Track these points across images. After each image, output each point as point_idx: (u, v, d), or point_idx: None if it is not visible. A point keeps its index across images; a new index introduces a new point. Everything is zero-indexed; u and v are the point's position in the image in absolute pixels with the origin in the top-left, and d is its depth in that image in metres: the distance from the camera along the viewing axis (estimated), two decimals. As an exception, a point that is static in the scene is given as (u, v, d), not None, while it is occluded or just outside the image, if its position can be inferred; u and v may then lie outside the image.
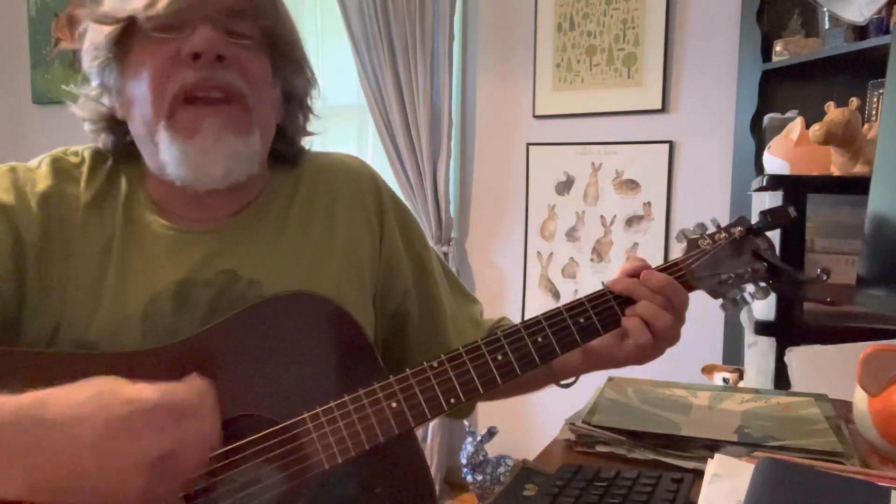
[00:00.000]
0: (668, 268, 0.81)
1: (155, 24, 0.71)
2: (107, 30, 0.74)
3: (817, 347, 1.12)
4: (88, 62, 0.77)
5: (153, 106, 0.72)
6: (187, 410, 0.57)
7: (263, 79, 0.77)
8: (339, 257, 0.84)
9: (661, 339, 0.77)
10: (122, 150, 0.80)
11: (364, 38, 2.65)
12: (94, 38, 0.76)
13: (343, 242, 0.85)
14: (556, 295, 2.61)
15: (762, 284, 0.84)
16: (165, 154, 0.73)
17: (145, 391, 0.56)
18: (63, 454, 0.52)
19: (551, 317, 0.76)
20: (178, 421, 0.56)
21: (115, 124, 0.79)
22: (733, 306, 0.84)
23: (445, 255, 2.68)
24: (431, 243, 2.85)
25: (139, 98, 0.74)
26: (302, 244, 0.82)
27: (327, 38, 2.77)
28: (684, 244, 0.85)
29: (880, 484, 0.55)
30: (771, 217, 0.85)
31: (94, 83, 0.79)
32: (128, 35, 0.74)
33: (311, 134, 0.90)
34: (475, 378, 0.72)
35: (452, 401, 0.71)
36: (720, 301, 0.84)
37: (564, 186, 2.56)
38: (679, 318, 0.78)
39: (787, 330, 1.22)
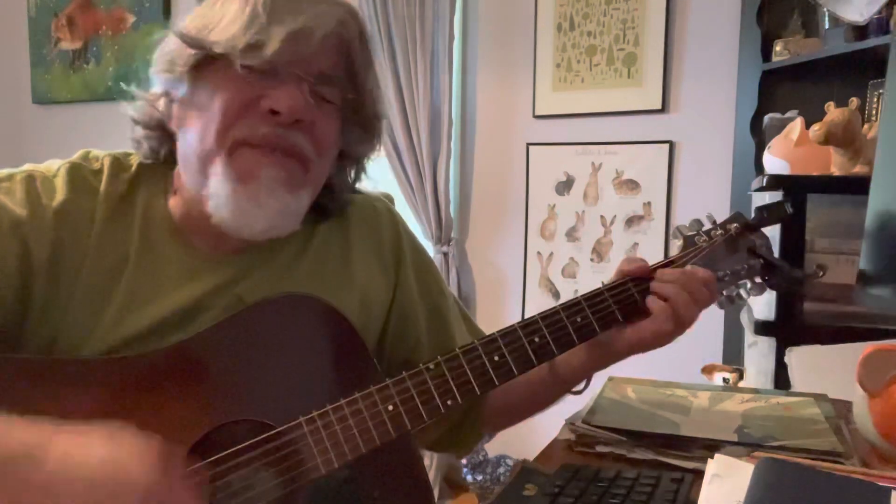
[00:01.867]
0: (665, 265, 0.81)
1: (245, 63, 0.69)
2: (192, 51, 0.71)
3: (817, 347, 1.12)
4: (159, 70, 0.75)
5: (216, 139, 0.70)
6: (178, 493, 0.57)
7: (332, 146, 0.77)
8: (353, 297, 0.83)
9: (681, 319, 0.76)
10: (157, 162, 0.79)
11: (364, 38, 2.64)
12: (173, 50, 0.73)
13: (358, 284, 0.84)
14: (556, 295, 2.60)
15: (758, 281, 0.84)
16: (214, 188, 0.71)
17: (148, 455, 0.56)
18: (56, 486, 0.53)
19: (548, 316, 0.76)
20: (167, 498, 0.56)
21: (165, 132, 0.77)
22: (729, 303, 0.83)
23: (445, 255, 2.68)
24: (431, 243, 2.84)
25: (202, 124, 0.71)
26: (316, 280, 0.81)
27: (327, 38, 2.77)
28: (681, 241, 0.84)
29: (880, 484, 0.55)
30: (767, 213, 0.85)
31: (158, 90, 0.76)
32: (212, 58, 0.71)
33: (357, 191, 0.89)
34: (472, 378, 0.71)
35: (449, 402, 0.70)
36: (717, 298, 0.83)
37: (564, 186, 2.56)
38: (694, 299, 0.76)
39: (787, 330, 1.22)
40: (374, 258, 0.87)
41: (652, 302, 0.77)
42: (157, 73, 0.76)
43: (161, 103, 0.76)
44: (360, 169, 0.87)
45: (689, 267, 0.79)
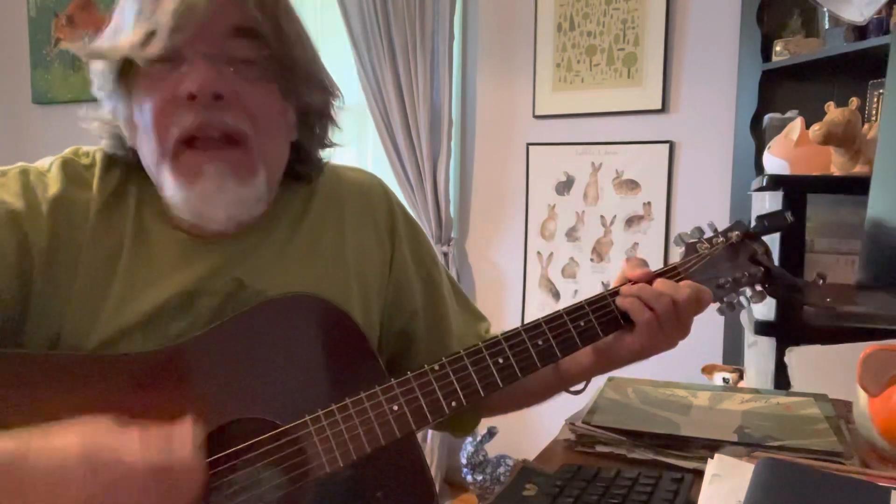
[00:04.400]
0: (667, 272, 0.82)
1: (152, 59, 0.70)
2: (105, 64, 0.73)
3: (817, 347, 1.12)
4: (96, 90, 0.76)
5: (157, 146, 0.71)
6: (174, 479, 0.58)
7: (269, 111, 0.75)
8: (348, 274, 0.83)
9: (665, 320, 0.77)
10: (137, 162, 0.78)
11: (364, 39, 2.65)
12: (97, 67, 0.75)
13: (352, 260, 0.84)
14: (556, 295, 2.61)
15: (758, 288, 0.85)
16: (169, 193, 0.72)
17: (133, 454, 0.56)
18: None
19: (551, 320, 0.77)
20: (164, 492, 0.57)
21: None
22: (730, 310, 0.85)
23: (445, 255, 2.68)
24: (431, 243, 2.84)
25: (144, 135, 0.73)
26: (310, 258, 0.81)
27: (327, 39, 2.77)
28: (682, 248, 0.85)
29: (880, 484, 0.55)
30: (768, 222, 0.86)
31: (107, 107, 0.77)
32: (129, 66, 0.72)
33: (330, 145, 0.87)
34: (476, 381, 0.72)
35: (454, 404, 0.71)
36: (717, 305, 0.84)
37: (564, 186, 2.56)
38: (678, 306, 0.77)
39: (787, 330, 1.22)
40: (370, 231, 0.87)
41: (622, 299, 0.79)
42: (97, 93, 0.77)
43: (119, 123, 0.77)
44: (327, 121, 0.84)
45: (659, 281, 0.79)
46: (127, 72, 0.73)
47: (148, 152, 0.73)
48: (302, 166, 0.84)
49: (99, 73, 0.75)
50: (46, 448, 0.55)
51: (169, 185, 0.72)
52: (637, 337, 0.78)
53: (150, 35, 0.69)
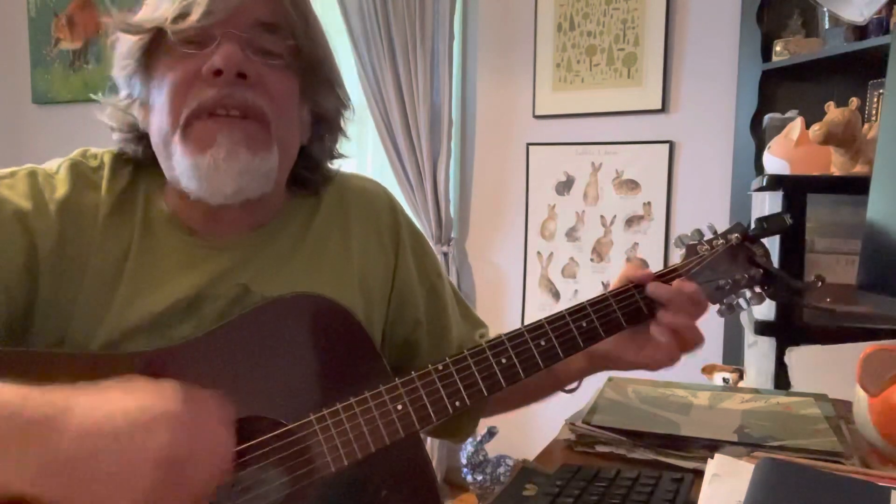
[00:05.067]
0: (668, 273, 0.83)
1: (182, 37, 0.71)
2: (135, 39, 0.74)
3: (817, 347, 1.12)
4: (117, 70, 0.77)
5: (170, 117, 0.72)
6: (209, 425, 0.57)
7: (287, 99, 0.76)
8: (353, 282, 0.83)
9: (686, 346, 0.80)
10: (146, 160, 0.79)
11: (364, 38, 2.65)
12: (123, 47, 0.76)
13: (357, 269, 0.84)
14: (556, 295, 2.61)
15: (758, 290, 0.85)
16: (178, 166, 0.72)
17: (172, 396, 0.56)
18: (83, 439, 0.52)
19: (554, 320, 0.77)
20: (199, 432, 0.56)
21: (142, 134, 0.78)
22: (729, 312, 0.85)
23: (445, 255, 2.69)
24: (431, 243, 2.85)
25: (158, 109, 0.73)
26: (316, 265, 0.82)
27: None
28: (683, 250, 0.86)
29: (880, 484, 0.55)
30: (767, 224, 0.86)
31: (123, 93, 0.78)
32: (155, 46, 0.73)
33: (339, 157, 0.88)
34: (479, 381, 0.72)
35: (458, 403, 0.71)
36: (717, 307, 0.85)
37: (564, 186, 2.56)
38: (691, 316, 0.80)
39: (787, 330, 1.22)
40: (374, 241, 0.88)
41: (654, 326, 0.80)
42: (116, 75, 0.78)
43: (132, 108, 0.78)
44: (337, 132, 0.86)
45: (675, 283, 0.80)
46: (153, 52, 0.74)
47: (158, 129, 0.73)
48: (309, 174, 0.84)
49: (124, 52, 0.75)
50: (91, 393, 0.55)
51: (178, 157, 0.72)
52: (649, 357, 0.80)
53: (185, 13, 0.70)
